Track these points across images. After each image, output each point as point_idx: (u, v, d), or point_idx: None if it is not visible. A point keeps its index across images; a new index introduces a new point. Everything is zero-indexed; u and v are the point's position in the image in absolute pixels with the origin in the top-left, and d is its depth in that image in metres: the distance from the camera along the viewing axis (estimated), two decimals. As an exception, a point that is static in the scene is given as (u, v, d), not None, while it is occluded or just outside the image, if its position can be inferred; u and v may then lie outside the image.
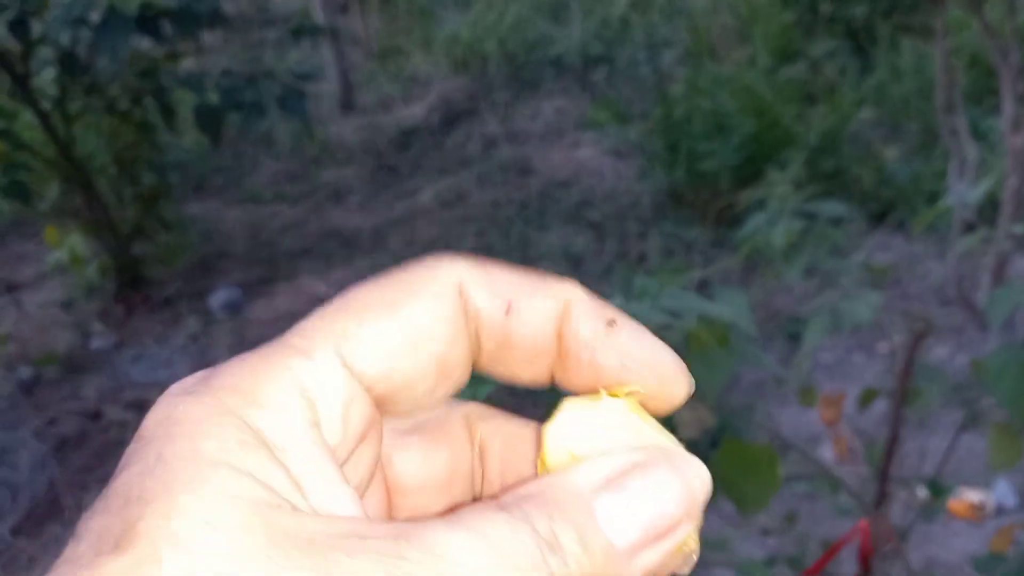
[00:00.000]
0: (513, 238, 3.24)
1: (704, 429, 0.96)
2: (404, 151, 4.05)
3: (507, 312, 0.21)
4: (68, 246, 2.90)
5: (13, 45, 2.67)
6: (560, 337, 0.22)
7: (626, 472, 0.19)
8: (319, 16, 4.16)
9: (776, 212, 1.16)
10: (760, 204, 1.12)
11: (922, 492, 1.29)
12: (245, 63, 4.15)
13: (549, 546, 0.17)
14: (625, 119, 3.87)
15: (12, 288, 3.25)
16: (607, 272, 3.00)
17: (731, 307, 0.88)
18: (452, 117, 4.23)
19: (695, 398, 0.94)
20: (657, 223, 3.22)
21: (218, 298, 3.01)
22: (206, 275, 3.20)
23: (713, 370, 0.89)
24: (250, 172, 3.98)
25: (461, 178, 3.70)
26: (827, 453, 2.23)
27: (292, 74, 2.98)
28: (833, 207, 1.11)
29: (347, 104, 4.40)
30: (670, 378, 0.21)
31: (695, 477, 0.19)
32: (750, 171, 3.15)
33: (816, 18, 3.90)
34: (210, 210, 3.66)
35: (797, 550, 1.46)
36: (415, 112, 4.31)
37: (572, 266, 3.04)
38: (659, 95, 3.69)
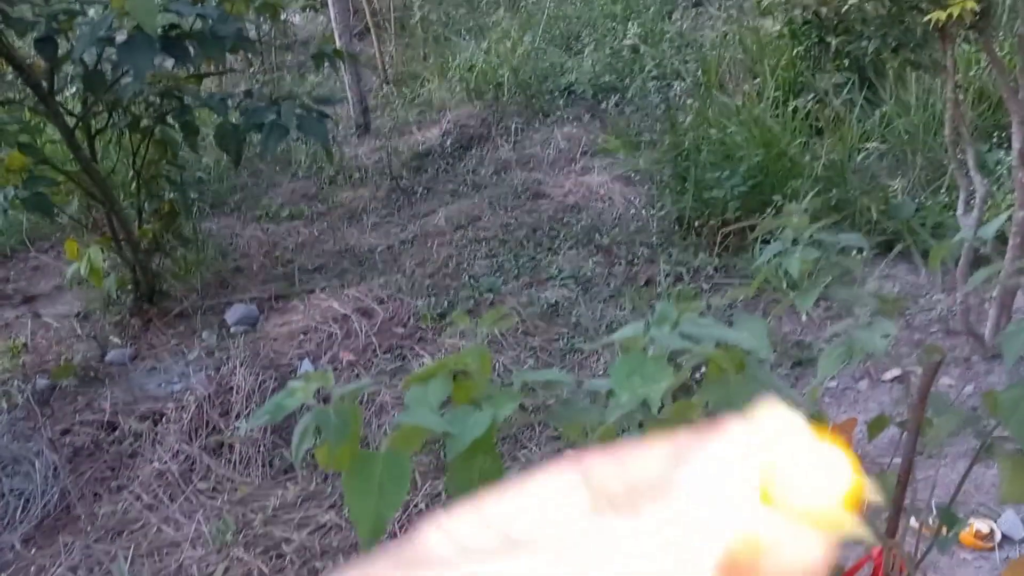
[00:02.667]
0: (523, 260, 3.29)
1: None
2: (418, 174, 4.10)
3: (618, 464, 0.25)
4: (87, 259, 2.94)
5: (39, 61, 2.71)
6: None
7: None
8: (337, 41, 4.23)
9: (791, 241, 1.20)
10: (771, 234, 1.15)
11: (933, 522, 1.30)
12: (266, 85, 4.21)
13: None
14: (635, 147, 3.92)
15: (30, 299, 3.29)
16: (615, 295, 3.03)
17: (749, 334, 0.91)
18: (465, 142, 4.29)
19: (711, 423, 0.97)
20: (665, 249, 3.26)
21: (234, 313, 3.05)
22: (222, 290, 3.24)
23: (731, 396, 0.92)
24: (267, 191, 4.04)
25: (473, 201, 3.74)
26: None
27: (312, 97, 3.03)
28: (850, 237, 1.15)
29: (363, 127, 4.47)
30: None
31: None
32: (757, 200, 3.19)
33: (824, 52, 3.95)
34: (227, 227, 3.71)
35: None
36: (429, 136, 4.37)
37: (581, 289, 3.08)
38: (668, 124, 3.74)
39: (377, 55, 5.03)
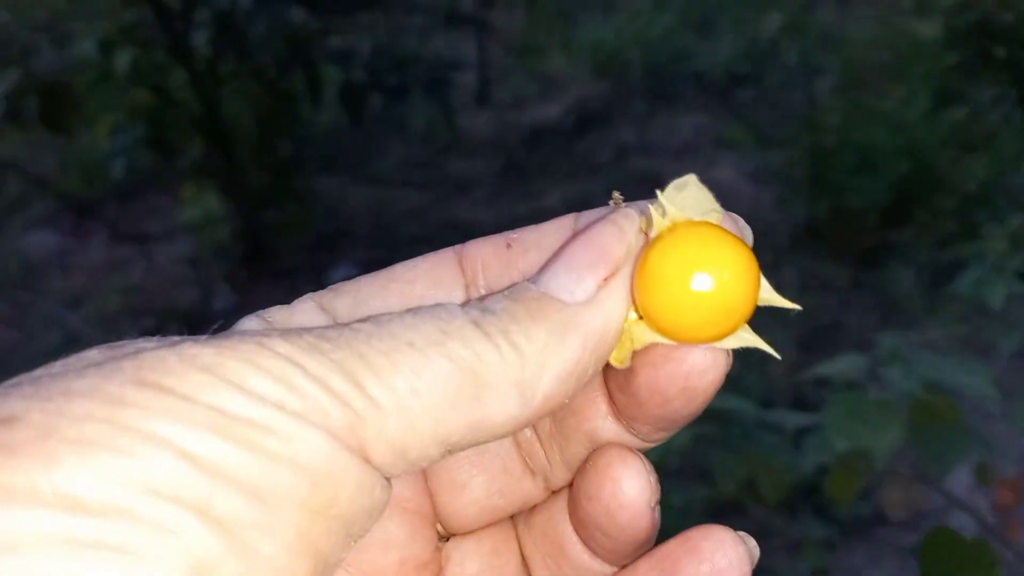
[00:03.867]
0: (638, 253, 3.15)
1: (915, 512, 0.85)
2: (534, 151, 4.00)
3: (508, 246, 0.23)
4: (202, 205, 2.95)
5: (174, 2, 2.72)
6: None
7: (572, 242, 0.21)
8: (466, 6, 4.16)
9: (991, 269, 1.03)
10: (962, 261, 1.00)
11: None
12: (390, 46, 4.19)
13: (480, 309, 0.18)
14: (767, 144, 3.73)
15: (144, 240, 3.33)
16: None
17: (977, 379, 0.77)
18: (586, 122, 4.16)
19: (911, 477, 0.82)
20: (792, 254, 3.08)
21: (337, 274, 3.01)
22: (327, 251, 3.21)
23: (946, 449, 0.78)
24: (380, 155, 4.00)
25: (589, 185, 3.62)
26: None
27: (439, 62, 2.96)
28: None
29: (482, 98, 4.39)
30: None
31: (626, 221, 0.21)
32: (898, 213, 3.00)
33: (983, 63, 3.67)
34: (337, 187, 3.69)
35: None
36: (549, 112, 4.26)
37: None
38: (807, 122, 3.54)
39: (503, 24, 4.93)
